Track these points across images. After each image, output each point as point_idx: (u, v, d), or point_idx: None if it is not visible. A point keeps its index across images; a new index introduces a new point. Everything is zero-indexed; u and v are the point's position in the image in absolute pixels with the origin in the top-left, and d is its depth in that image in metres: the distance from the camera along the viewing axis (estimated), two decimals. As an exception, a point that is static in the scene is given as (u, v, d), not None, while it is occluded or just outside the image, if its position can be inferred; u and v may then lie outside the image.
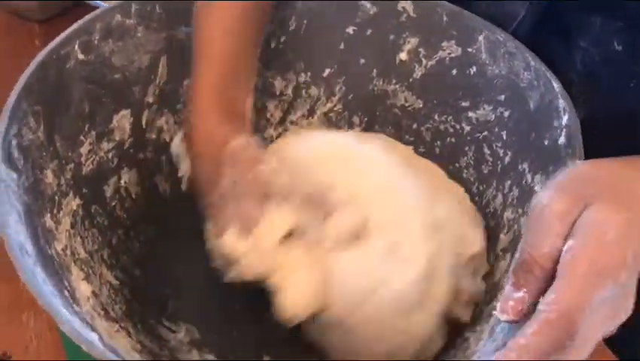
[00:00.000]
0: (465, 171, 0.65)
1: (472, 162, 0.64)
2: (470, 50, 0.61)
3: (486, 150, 0.63)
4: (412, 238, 0.55)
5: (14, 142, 0.48)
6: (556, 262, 0.42)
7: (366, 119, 0.69)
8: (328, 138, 0.63)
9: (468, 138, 0.64)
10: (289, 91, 0.68)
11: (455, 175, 0.65)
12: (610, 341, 0.47)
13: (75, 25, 0.57)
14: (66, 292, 0.46)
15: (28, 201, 0.47)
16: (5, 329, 0.58)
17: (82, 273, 0.51)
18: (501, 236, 0.58)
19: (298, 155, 0.59)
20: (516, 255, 0.45)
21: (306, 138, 0.63)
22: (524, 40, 0.60)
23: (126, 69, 0.60)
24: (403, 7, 0.64)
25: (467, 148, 0.64)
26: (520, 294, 0.43)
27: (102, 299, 0.53)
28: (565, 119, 0.54)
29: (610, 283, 0.40)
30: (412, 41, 0.64)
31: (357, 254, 0.54)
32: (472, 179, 0.64)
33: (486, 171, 0.63)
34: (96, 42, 0.58)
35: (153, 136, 0.64)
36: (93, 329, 0.44)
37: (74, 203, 0.54)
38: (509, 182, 0.59)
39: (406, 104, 0.67)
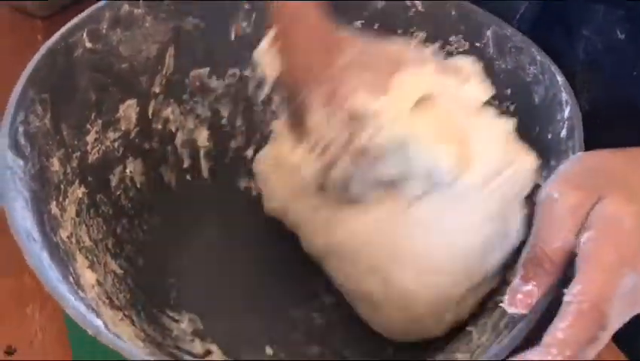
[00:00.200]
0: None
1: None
2: (478, 44, 0.61)
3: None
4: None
5: (21, 129, 0.48)
6: (567, 256, 0.43)
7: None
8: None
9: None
10: (296, 83, 0.68)
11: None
12: (616, 338, 0.47)
13: (84, 14, 0.57)
14: (71, 279, 0.46)
15: (34, 188, 0.47)
16: (10, 323, 0.58)
17: (87, 261, 0.51)
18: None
19: None
20: (525, 248, 0.45)
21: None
22: (527, 32, 0.60)
23: (133, 59, 0.60)
24: (412, 2, 0.64)
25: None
26: (529, 287, 0.43)
27: (107, 288, 0.53)
28: (567, 111, 0.54)
29: (630, 272, 0.40)
30: (420, 36, 0.64)
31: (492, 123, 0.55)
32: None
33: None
34: (104, 31, 0.58)
35: (159, 126, 0.64)
36: (98, 316, 0.45)
37: (79, 191, 0.54)
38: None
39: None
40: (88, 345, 0.56)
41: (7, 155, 0.45)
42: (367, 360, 0.59)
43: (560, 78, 0.56)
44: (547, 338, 0.39)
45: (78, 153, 0.55)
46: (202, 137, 0.67)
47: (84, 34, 0.56)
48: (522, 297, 0.43)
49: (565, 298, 0.40)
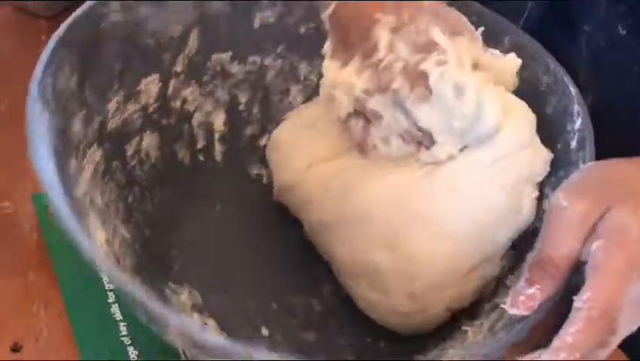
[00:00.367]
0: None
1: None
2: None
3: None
4: None
5: (49, 83, 0.50)
6: (572, 263, 0.44)
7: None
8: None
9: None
10: (313, 77, 0.70)
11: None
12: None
13: (115, -14, 0.58)
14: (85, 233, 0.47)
15: (57, 142, 0.49)
16: (16, 320, 0.59)
17: (98, 221, 0.52)
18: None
19: None
20: (532, 253, 0.46)
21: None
22: (533, 30, 0.61)
23: (159, 35, 0.62)
24: (433, 6, 0.65)
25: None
26: (532, 290, 0.44)
27: (115, 249, 0.54)
28: (578, 123, 0.55)
29: (638, 279, 0.41)
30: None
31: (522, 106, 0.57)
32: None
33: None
34: (133, 5, 0.59)
35: (178, 105, 0.65)
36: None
37: (96, 155, 0.56)
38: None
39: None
40: (94, 342, 0.57)
41: (36, 104, 0.47)
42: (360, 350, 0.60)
43: (573, 89, 0.57)
44: (556, 342, 0.40)
45: (99, 119, 0.57)
46: (219, 120, 0.69)
47: (114, 6, 0.58)
48: (524, 299, 0.44)
49: (575, 305, 0.41)
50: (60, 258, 0.62)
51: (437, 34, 0.54)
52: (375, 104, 0.56)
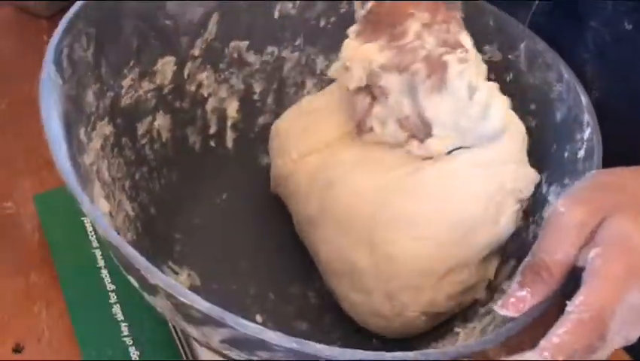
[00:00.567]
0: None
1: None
2: (510, 57, 0.63)
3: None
4: None
5: (65, 52, 0.50)
6: (566, 269, 0.44)
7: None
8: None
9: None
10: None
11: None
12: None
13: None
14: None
15: (68, 109, 0.49)
16: (18, 321, 0.59)
17: (103, 191, 0.53)
18: (508, 241, 0.58)
19: None
20: (527, 257, 0.46)
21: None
22: (539, 27, 0.61)
23: (178, 18, 0.62)
24: (452, 9, 0.66)
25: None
26: (523, 293, 0.44)
27: (117, 223, 0.55)
28: (587, 133, 0.55)
29: (637, 287, 0.41)
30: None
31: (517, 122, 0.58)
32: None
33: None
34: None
35: (193, 88, 0.66)
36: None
37: (107, 129, 0.56)
38: (525, 190, 0.60)
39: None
40: (95, 342, 0.58)
41: (50, 68, 0.47)
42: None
43: (584, 99, 0.57)
44: (542, 342, 0.40)
45: (112, 93, 0.57)
46: (232, 107, 0.69)
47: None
48: (514, 301, 0.44)
49: (567, 308, 0.40)
50: (62, 258, 0.63)
51: (465, 38, 0.56)
52: (387, 81, 0.56)
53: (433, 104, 0.55)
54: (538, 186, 0.58)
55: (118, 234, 0.52)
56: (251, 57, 0.68)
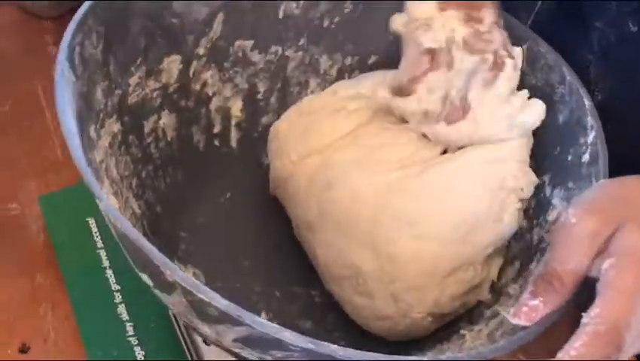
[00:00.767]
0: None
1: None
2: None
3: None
4: None
5: (77, 49, 0.50)
6: (578, 279, 0.44)
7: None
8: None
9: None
10: (333, 71, 0.70)
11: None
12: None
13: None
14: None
15: (80, 105, 0.49)
16: (24, 322, 0.59)
17: (112, 189, 0.53)
18: (512, 243, 0.59)
19: None
20: (538, 266, 0.47)
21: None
22: (543, 28, 0.62)
23: (184, 17, 0.62)
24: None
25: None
26: (536, 302, 0.44)
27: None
28: (591, 137, 0.55)
29: None
30: (460, 43, 0.66)
31: None
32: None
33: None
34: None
35: (197, 87, 0.66)
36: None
37: (115, 126, 0.56)
38: (528, 192, 0.61)
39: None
40: (101, 343, 0.58)
41: (64, 65, 0.48)
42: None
43: (587, 102, 0.57)
44: (559, 355, 0.40)
45: (120, 91, 0.57)
46: (236, 107, 0.69)
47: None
48: (527, 310, 0.45)
49: (583, 320, 0.41)
50: (67, 259, 0.63)
51: (516, 50, 0.58)
52: (458, 54, 0.57)
53: (479, 94, 0.56)
54: (542, 188, 0.58)
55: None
56: (256, 56, 0.68)
